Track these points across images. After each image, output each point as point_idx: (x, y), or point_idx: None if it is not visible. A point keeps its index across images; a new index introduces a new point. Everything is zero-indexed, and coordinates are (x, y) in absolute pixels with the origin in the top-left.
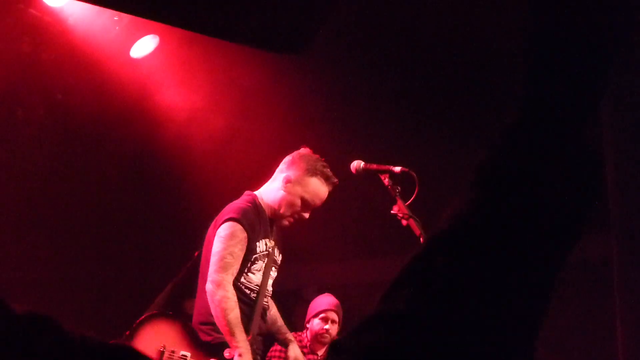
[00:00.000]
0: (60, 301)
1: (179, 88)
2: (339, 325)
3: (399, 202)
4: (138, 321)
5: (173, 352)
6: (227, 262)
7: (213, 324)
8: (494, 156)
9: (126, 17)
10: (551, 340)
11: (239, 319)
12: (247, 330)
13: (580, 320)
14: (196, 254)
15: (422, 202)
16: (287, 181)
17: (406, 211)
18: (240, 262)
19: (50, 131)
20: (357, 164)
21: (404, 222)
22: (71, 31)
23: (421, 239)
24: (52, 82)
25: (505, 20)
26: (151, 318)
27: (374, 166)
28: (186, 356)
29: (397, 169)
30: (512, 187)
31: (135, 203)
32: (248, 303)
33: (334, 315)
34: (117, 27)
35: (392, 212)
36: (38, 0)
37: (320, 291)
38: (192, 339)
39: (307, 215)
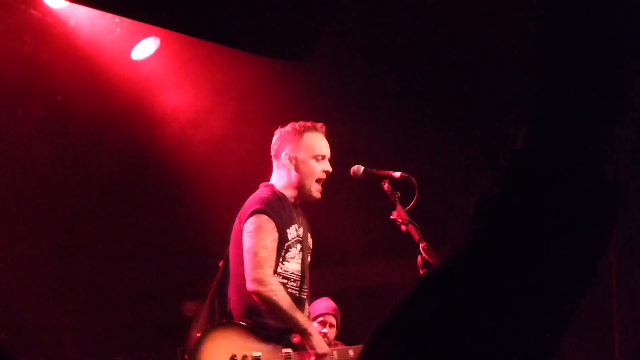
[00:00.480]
0: (59, 301)
1: (180, 90)
2: (336, 329)
3: (399, 207)
4: (195, 342)
5: (245, 356)
6: (262, 256)
7: (253, 316)
8: (497, 187)
9: (127, 19)
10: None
11: (293, 304)
12: None
13: (578, 324)
14: (221, 263)
15: (422, 208)
16: (290, 157)
17: (405, 217)
18: (275, 254)
19: (50, 132)
20: (356, 169)
21: (403, 227)
22: (72, 32)
23: (420, 245)
24: (53, 83)
25: (506, 27)
26: (208, 333)
27: (374, 171)
28: (259, 356)
29: (397, 174)
30: (518, 222)
31: (135, 204)
32: (289, 293)
33: (332, 319)
34: (118, 29)
35: (391, 217)
36: (39, 1)
37: (318, 295)
38: (257, 337)
39: (329, 168)
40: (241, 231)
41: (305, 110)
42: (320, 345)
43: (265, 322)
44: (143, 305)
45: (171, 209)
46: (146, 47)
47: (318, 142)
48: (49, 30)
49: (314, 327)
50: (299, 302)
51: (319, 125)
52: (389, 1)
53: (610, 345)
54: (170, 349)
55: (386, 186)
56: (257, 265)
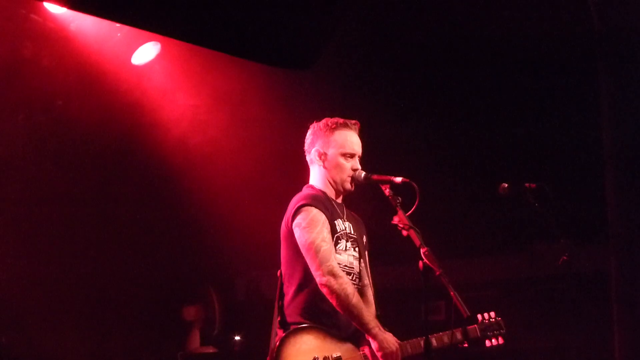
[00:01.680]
0: (60, 303)
1: (180, 94)
2: None
3: (400, 212)
4: (275, 348)
5: (325, 357)
6: (326, 249)
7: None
8: None
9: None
10: (550, 352)
11: (361, 301)
12: (347, 321)
13: (578, 332)
14: (279, 273)
15: (423, 213)
16: (320, 154)
17: (407, 222)
18: (333, 245)
19: (50, 136)
20: (357, 174)
21: (405, 232)
22: (73, 38)
23: (421, 250)
24: (53, 88)
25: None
26: (287, 337)
27: (375, 176)
28: (339, 357)
29: (398, 179)
30: None
31: (135, 208)
32: None
33: None
34: (118, 34)
35: (392, 222)
36: (40, 6)
37: None
38: (335, 338)
39: (357, 165)
40: (289, 232)
41: (307, 116)
42: (384, 345)
43: (324, 322)
44: (144, 308)
45: (172, 212)
46: (147, 52)
47: (349, 140)
48: (49, 36)
49: (379, 327)
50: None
51: (352, 122)
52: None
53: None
54: (171, 353)
55: (387, 191)
56: (324, 258)
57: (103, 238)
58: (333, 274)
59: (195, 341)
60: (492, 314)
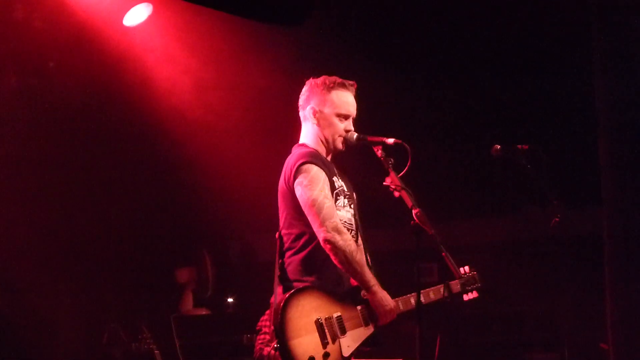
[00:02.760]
0: (53, 269)
1: (173, 56)
2: None
3: (392, 174)
4: (280, 311)
5: (328, 318)
6: (329, 206)
7: (308, 275)
8: None
9: None
10: (542, 314)
11: (363, 258)
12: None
13: (570, 294)
14: (277, 235)
15: (415, 175)
16: (315, 112)
17: (399, 183)
18: (334, 202)
19: (42, 99)
20: (350, 135)
21: (397, 193)
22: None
23: (413, 211)
24: (45, 51)
25: None
26: (289, 300)
27: (367, 138)
28: (340, 317)
29: (390, 140)
30: None
31: (128, 172)
32: None
33: None
34: None
35: (384, 183)
36: None
37: None
38: (334, 299)
39: (351, 127)
40: (290, 191)
41: (301, 76)
42: (383, 302)
43: (322, 281)
44: (137, 271)
45: (166, 175)
46: (139, 14)
47: (345, 101)
48: None
49: (378, 284)
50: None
51: (350, 82)
52: None
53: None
54: (165, 315)
55: (379, 153)
56: (328, 215)
57: (96, 201)
58: (337, 231)
59: (188, 303)
60: (467, 268)
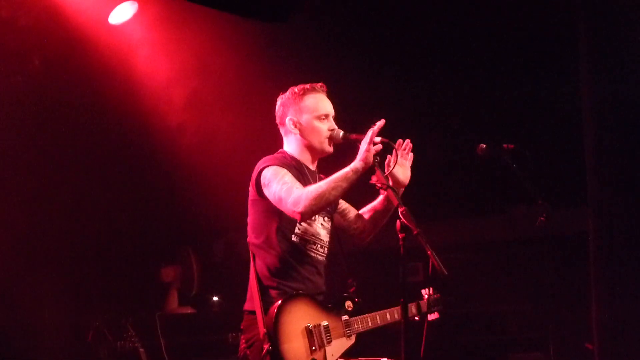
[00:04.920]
0: (38, 266)
1: (158, 54)
2: None
3: (378, 171)
4: (274, 317)
5: (316, 326)
6: (288, 188)
7: (277, 282)
8: None
9: None
10: (528, 314)
11: (332, 177)
12: (318, 289)
13: (556, 294)
14: (248, 239)
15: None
16: (294, 122)
17: (384, 181)
18: (297, 182)
19: (28, 97)
20: (335, 133)
21: (383, 192)
22: None
23: (399, 209)
24: (31, 49)
25: None
26: (283, 305)
27: (353, 136)
28: (327, 326)
29: (377, 139)
30: None
31: (113, 167)
32: (309, 256)
33: None
34: None
35: (370, 182)
36: None
37: None
38: (321, 307)
39: (333, 125)
40: (255, 198)
41: (287, 74)
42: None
43: (292, 284)
44: (122, 269)
45: (150, 175)
46: (124, 11)
47: (320, 102)
48: None
49: (350, 166)
50: (319, 264)
51: (319, 85)
52: None
53: (588, 314)
54: (150, 314)
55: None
56: (288, 192)
57: (81, 199)
58: (299, 200)
59: (173, 302)
60: (431, 289)
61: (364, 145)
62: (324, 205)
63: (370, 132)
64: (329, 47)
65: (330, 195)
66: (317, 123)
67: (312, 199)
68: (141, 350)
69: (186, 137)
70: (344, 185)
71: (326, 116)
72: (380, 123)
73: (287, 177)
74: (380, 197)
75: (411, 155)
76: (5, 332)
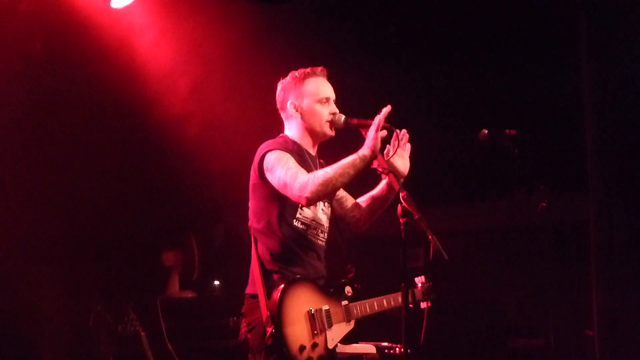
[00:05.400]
0: (38, 250)
1: (161, 38)
2: None
3: (379, 156)
4: (277, 301)
5: (318, 310)
6: (292, 173)
7: (279, 266)
8: None
9: None
10: (528, 300)
11: (338, 164)
12: (319, 274)
13: (556, 280)
14: (249, 224)
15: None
16: (295, 106)
17: (386, 166)
18: (300, 167)
19: (29, 82)
20: (337, 118)
21: (384, 176)
22: None
23: (400, 194)
24: (32, 33)
25: None
26: (286, 289)
27: (355, 120)
28: (328, 310)
29: None
30: None
31: (115, 153)
32: (310, 241)
33: None
34: None
35: (372, 166)
36: None
37: None
38: (323, 292)
39: (335, 109)
40: (257, 182)
41: (290, 60)
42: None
43: (293, 269)
44: (123, 254)
45: (152, 159)
46: None
47: (320, 86)
48: None
49: (358, 154)
50: (319, 250)
51: (319, 69)
52: None
53: (589, 302)
54: (151, 298)
55: (367, 135)
56: (294, 177)
57: (82, 185)
58: (305, 186)
59: (174, 286)
60: (423, 278)
61: (371, 133)
62: (330, 192)
63: (377, 120)
64: (332, 31)
65: (337, 181)
66: (318, 107)
67: (319, 185)
68: (142, 334)
69: (188, 122)
70: (351, 172)
71: (327, 100)
72: (386, 109)
73: (291, 162)
74: (380, 186)
75: (409, 145)
76: (5, 316)
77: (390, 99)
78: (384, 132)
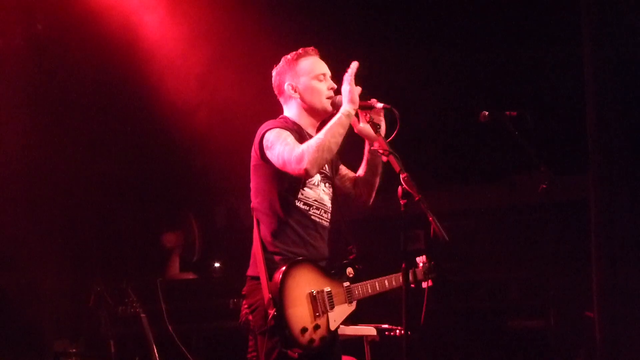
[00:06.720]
0: (39, 230)
1: (165, 18)
2: None
3: (380, 138)
4: (279, 282)
5: (320, 292)
6: (291, 145)
7: (281, 247)
8: None
9: None
10: (529, 282)
11: (323, 131)
12: (321, 255)
13: (557, 261)
14: (252, 205)
15: (403, 139)
16: (292, 87)
17: (387, 147)
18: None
19: (29, 61)
20: (338, 99)
21: (384, 158)
22: None
23: (401, 176)
24: (33, 13)
25: None
26: (288, 271)
27: None
28: (330, 292)
29: (379, 105)
30: None
31: (117, 133)
32: (313, 221)
33: None
34: None
35: (372, 148)
36: None
37: None
38: (324, 274)
39: (333, 85)
40: (258, 162)
41: (293, 38)
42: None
43: (295, 250)
44: (123, 235)
45: (152, 140)
46: None
47: (315, 63)
48: None
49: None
50: (322, 230)
51: (310, 49)
52: None
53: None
54: (151, 280)
55: (367, 117)
56: (291, 152)
57: (83, 165)
58: (302, 157)
59: (174, 267)
60: (424, 257)
61: (345, 88)
62: (327, 156)
63: (347, 75)
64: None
65: (331, 143)
66: (315, 83)
67: (315, 151)
68: (142, 315)
69: (191, 103)
70: (341, 130)
71: (324, 75)
72: (354, 64)
73: (290, 138)
74: (365, 155)
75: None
76: (7, 296)
77: (392, 80)
78: (378, 103)
